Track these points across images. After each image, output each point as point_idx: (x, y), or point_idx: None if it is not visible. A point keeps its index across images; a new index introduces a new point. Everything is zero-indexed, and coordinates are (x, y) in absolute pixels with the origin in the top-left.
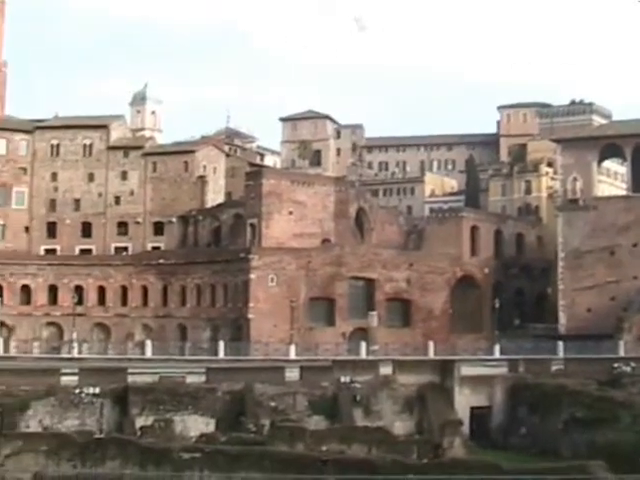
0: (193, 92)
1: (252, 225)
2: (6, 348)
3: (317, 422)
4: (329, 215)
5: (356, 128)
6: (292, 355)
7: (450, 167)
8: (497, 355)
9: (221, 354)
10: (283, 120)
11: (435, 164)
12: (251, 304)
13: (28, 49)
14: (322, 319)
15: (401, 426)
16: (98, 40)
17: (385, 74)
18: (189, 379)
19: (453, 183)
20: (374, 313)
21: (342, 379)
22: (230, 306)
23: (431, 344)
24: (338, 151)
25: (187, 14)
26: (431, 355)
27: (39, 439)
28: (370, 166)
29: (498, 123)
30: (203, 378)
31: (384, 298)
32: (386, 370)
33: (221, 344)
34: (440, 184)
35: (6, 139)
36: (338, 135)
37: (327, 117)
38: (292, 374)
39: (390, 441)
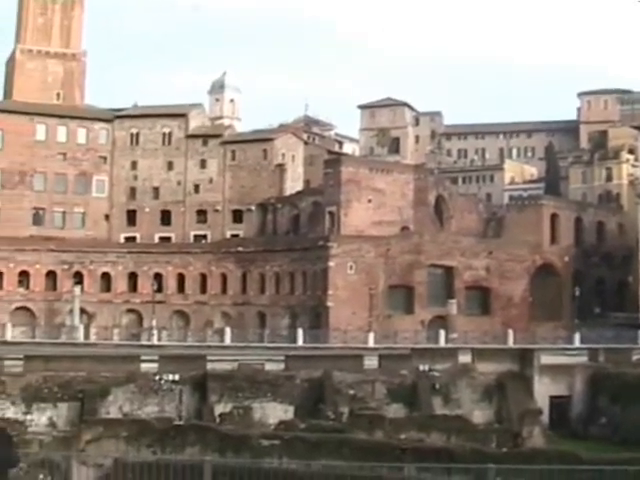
0: (272, 80)
1: (331, 213)
2: (87, 335)
3: (396, 410)
4: (408, 203)
5: (435, 115)
6: (371, 343)
7: (530, 154)
8: (577, 344)
9: (300, 341)
10: (361, 108)
11: (514, 151)
12: (330, 292)
13: (107, 38)
14: (401, 307)
15: (480, 415)
16: (177, 28)
17: (464, 61)
18: (268, 366)
19: (533, 170)
20: (453, 301)
21: (421, 367)
22: (309, 294)
23: (510, 332)
24: (417, 138)
25: (268, 4)
26: (510, 343)
27: (119, 425)
28: (449, 153)
29: (578, 110)
30: (282, 365)
31: (463, 286)
32: (465, 358)
33: (300, 332)
34: (520, 171)
35: (86, 128)
36: (417, 122)
37: (405, 104)
38: (371, 362)
39: (469, 430)
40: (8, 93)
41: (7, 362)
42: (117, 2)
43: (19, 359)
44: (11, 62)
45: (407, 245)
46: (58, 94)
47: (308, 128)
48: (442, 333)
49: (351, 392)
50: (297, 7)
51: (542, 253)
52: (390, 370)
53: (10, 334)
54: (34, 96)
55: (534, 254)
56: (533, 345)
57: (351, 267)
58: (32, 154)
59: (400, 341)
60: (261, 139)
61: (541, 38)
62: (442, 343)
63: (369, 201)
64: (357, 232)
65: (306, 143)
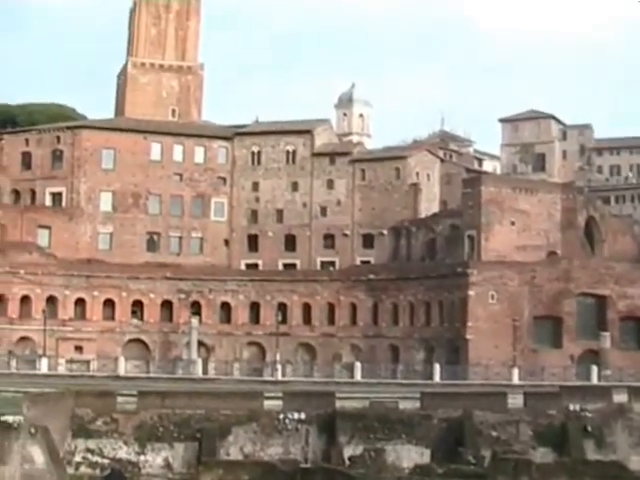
0: (404, 92)
1: (470, 237)
2: (205, 369)
3: (543, 454)
4: (555, 225)
5: (584, 128)
6: (515, 379)
7: None
8: None
9: (437, 378)
10: (502, 121)
11: None
12: (469, 323)
13: (225, 49)
14: (548, 340)
15: (638, 461)
16: (301, 37)
17: (616, 68)
18: (402, 405)
19: None
20: (606, 334)
21: (571, 407)
22: (446, 325)
23: None
24: (564, 154)
25: (397, 10)
26: None
27: (240, 467)
28: (600, 170)
29: None
30: (417, 404)
31: (617, 317)
32: (621, 398)
33: (437, 367)
34: None
35: (204, 147)
36: (564, 136)
37: (551, 117)
38: (515, 400)
39: (626, 477)
40: (120, 110)
41: (120, 399)
42: (235, 10)
43: (132, 395)
44: (123, 77)
45: (554, 272)
46: (173, 110)
47: (444, 144)
48: (594, 369)
49: (494, 434)
50: (431, 14)
51: None
52: (536, 410)
53: (123, 368)
54: (148, 113)
55: None
56: None
57: (493, 296)
58: (146, 175)
59: (547, 378)
60: (393, 157)
61: None
62: (594, 380)
63: (512, 224)
64: (499, 258)
65: (442, 161)
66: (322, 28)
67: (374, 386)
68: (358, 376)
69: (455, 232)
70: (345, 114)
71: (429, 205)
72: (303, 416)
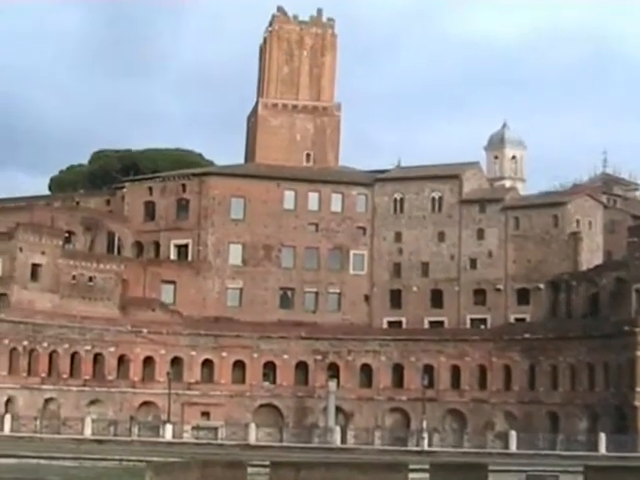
0: (561, 132)
1: (638, 291)
2: (343, 438)
3: None
4: None
5: None
6: None
7: None
8: None
9: (602, 449)
10: None
11: None
12: (638, 388)
13: (361, 88)
14: None
15: None
16: (443, 75)
17: None
18: (563, 479)
19: None
20: None
21: None
22: (612, 390)
23: None
24: None
25: (550, 41)
26: None
27: None
28: None
29: None
30: (580, 479)
31: None
32: None
33: (602, 436)
34: None
35: (342, 194)
36: None
37: None
38: None
39: None
40: (250, 155)
41: (251, 469)
42: (369, 45)
43: (265, 466)
44: (253, 119)
45: None
46: (308, 155)
47: (607, 188)
48: None
49: None
50: (588, 46)
51: None
52: None
53: (254, 436)
54: (280, 158)
55: None
56: None
57: None
58: (279, 225)
59: None
60: (551, 203)
61: None
62: None
63: None
64: None
65: (605, 207)
66: (466, 64)
67: (531, 458)
68: (513, 447)
69: (621, 286)
70: (496, 157)
71: (591, 256)
72: None
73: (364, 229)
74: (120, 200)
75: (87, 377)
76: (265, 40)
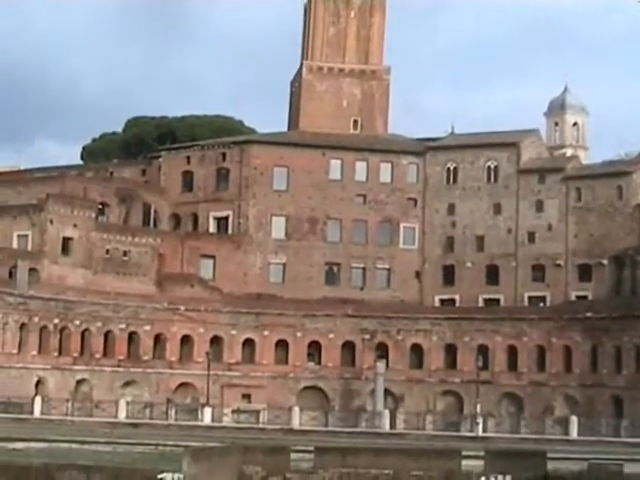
0: (627, 96)
1: None
2: (392, 422)
3: None
4: None
5: None
6: None
7: None
8: None
9: None
10: None
11: None
12: None
13: (413, 51)
14: None
15: None
16: (500, 36)
17: None
18: (628, 468)
19: None
20: None
21: None
22: None
23: None
24: None
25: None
26: None
27: None
28: None
29: None
30: None
31: None
32: None
33: None
34: None
35: (391, 163)
36: None
37: None
38: None
39: None
40: (294, 122)
41: (294, 455)
42: (425, 5)
43: (309, 452)
44: (297, 84)
45: None
46: (355, 122)
47: None
48: None
49: None
50: None
51: None
52: None
53: (297, 421)
54: (326, 125)
55: None
56: None
57: None
58: (324, 197)
59: None
60: (615, 173)
61: None
62: None
63: None
64: None
65: None
66: (525, 26)
67: (593, 445)
68: (574, 433)
69: None
70: (557, 123)
71: None
72: (509, 479)
73: (415, 201)
74: (156, 170)
75: (121, 357)
76: (310, 0)
